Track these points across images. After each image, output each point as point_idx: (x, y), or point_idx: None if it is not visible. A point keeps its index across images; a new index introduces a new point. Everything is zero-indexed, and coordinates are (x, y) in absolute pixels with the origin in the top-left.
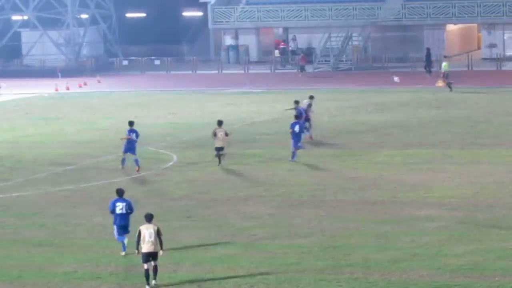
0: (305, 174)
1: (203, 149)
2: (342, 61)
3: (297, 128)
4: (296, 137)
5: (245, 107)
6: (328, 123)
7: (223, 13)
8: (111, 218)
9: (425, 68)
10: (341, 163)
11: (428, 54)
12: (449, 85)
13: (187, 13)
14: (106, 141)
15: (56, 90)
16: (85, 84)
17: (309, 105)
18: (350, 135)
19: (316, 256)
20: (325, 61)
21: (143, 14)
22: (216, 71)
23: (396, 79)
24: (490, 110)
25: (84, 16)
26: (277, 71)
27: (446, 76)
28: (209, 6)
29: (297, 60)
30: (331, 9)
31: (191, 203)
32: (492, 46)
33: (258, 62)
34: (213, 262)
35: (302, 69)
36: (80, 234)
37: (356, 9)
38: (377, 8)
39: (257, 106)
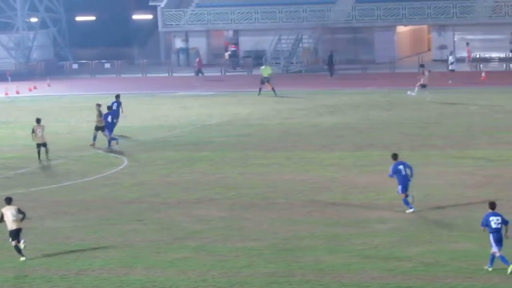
0: (256, 176)
1: (154, 152)
2: (293, 63)
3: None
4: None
5: (196, 110)
6: (279, 125)
7: (173, 16)
8: (61, 221)
9: (329, 71)
10: (292, 165)
11: (331, 57)
12: (273, 88)
13: (137, 16)
14: (57, 145)
15: (6, 94)
16: (35, 88)
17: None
18: (301, 137)
19: (267, 259)
20: (276, 63)
21: (93, 18)
22: (167, 74)
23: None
24: (441, 112)
25: (34, 19)
26: (227, 73)
27: (267, 80)
28: (159, 9)
29: (248, 63)
30: (281, 11)
31: (142, 206)
32: (442, 47)
33: (209, 65)
34: (164, 266)
35: (198, 72)
36: (30, 238)
37: (306, 11)
38: (328, 10)
39: (208, 109)
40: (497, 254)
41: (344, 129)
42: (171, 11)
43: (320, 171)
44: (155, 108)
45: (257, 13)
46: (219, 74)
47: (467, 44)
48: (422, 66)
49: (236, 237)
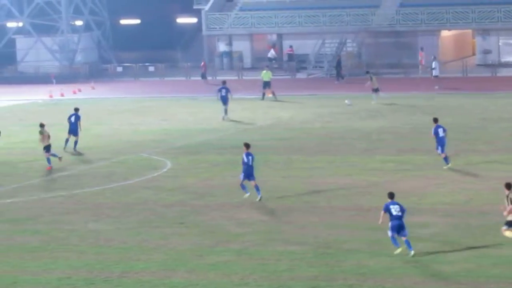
0: (299, 180)
1: (196, 155)
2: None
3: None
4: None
5: (239, 113)
6: (321, 129)
7: (217, 20)
8: (104, 223)
9: (336, 75)
10: (334, 169)
11: (339, 62)
12: (273, 93)
13: (181, 20)
14: (100, 147)
15: (51, 96)
16: (79, 90)
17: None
18: (343, 141)
19: (309, 262)
20: (319, 67)
21: (138, 21)
22: (210, 77)
23: (347, 101)
24: (485, 117)
25: (78, 22)
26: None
27: (268, 85)
28: (203, 13)
29: (291, 66)
30: (325, 15)
31: (185, 210)
32: (487, 52)
33: (252, 69)
34: (207, 269)
35: (203, 76)
36: (73, 240)
37: (350, 15)
38: (371, 14)
39: (251, 112)
40: (398, 237)
41: (386, 133)
42: (215, 14)
43: (362, 175)
44: (198, 111)
45: (301, 16)
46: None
47: None
48: (367, 72)
49: (278, 241)
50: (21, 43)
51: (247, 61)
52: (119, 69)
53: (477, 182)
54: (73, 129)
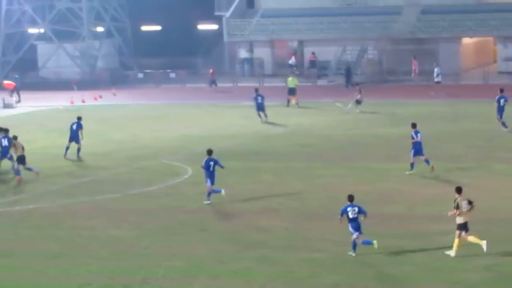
0: (320, 187)
1: None
2: (357, 74)
3: None
4: None
5: (260, 120)
6: (343, 136)
7: (238, 26)
8: (125, 230)
9: (346, 82)
10: (356, 176)
11: (348, 70)
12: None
13: (202, 26)
14: (121, 154)
15: (72, 102)
16: (100, 97)
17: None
18: (365, 148)
19: (330, 269)
20: (340, 74)
21: (159, 27)
22: (231, 84)
23: (339, 104)
24: (507, 124)
25: (99, 29)
26: None
27: (293, 92)
28: (224, 19)
29: (313, 73)
30: (346, 22)
31: (206, 216)
32: (508, 59)
33: (273, 75)
34: (228, 276)
35: (212, 83)
36: (94, 246)
37: (371, 22)
38: (393, 21)
39: (271, 118)
40: (359, 240)
41: (408, 140)
42: (236, 21)
43: (384, 182)
44: (218, 117)
45: (322, 23)
46: (283, 84)
47: None
48: (357, 84)
49: (299, 248)
50: (43, 49)
51: (268, 67)
52: (140, 75)
53: (499, 190)
54: (74, 137)
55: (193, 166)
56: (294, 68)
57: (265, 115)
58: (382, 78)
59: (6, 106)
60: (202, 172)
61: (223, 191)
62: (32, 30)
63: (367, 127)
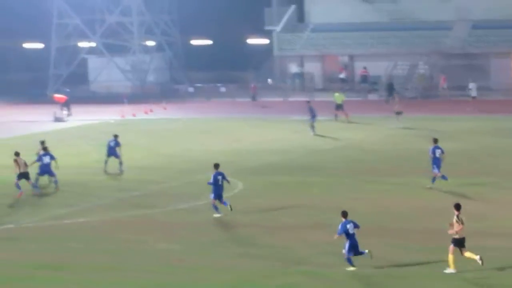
0: (370, 202)
1: (267, 176)
2: (408, 89)
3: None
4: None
5: (310, 134)
6: (393, 151)
7: (288, 41)
8: (174, 244)
9: (387, 97)
10: (406, 191)
11: (391, 85)
12: (346, 114)
13: (252, 41)
14: (171, 168)
15: (122, 116)
16: (151, 110)
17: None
18: (415, 163)
19: (381, 285)
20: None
21: (209, 42)
22: (281, 98)
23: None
24: None
25: (150, 43)
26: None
27: (340, 107)
28: (274, 34)
29: (363, 88)
30: (396, 37)
31: (254, 230)
32: None
33: (323, 90)
34: None
35: (253, 98)
36: (144, 260)
37: (422, 37)
38: (443, 36)
39: (321, 133)
40: (347, 256)
41: (459, 155)
42: (287, 35)
43: (434, 197)
44: (268, 132)
45: (373, 38)
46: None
47: None
48: (396, 93)
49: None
50: (93, 63)
51: (318, 82)
52: (191, 89)
53: None
54: (113, 153)
55: (243, 180)
56: (345, 83)
57: (314, 128)
58: (433, 93)
59: (57, 119)
60: (252, 186)
61: (228, 205)
62: (83, 44)
63: (417, 142)
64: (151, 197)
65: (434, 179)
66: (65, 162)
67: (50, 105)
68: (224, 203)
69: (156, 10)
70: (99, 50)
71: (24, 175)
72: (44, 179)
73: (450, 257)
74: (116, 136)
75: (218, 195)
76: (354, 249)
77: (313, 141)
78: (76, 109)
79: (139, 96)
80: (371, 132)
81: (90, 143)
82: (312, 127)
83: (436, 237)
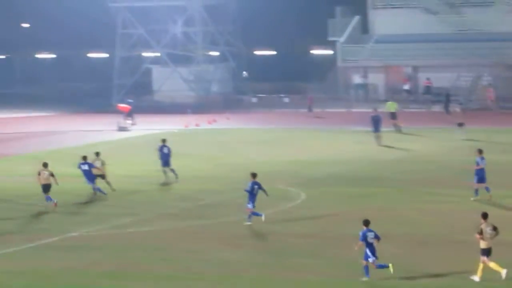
0: (432, 213)
1: (330, 187)
2: (472, 100)
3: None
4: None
5: (372, 146)
6: (455, 162)
7: (352, 52)
8: (237, 253)
9: (445, 109)
10: (468, 202)
11: (448, 96)
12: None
13: (315, 51)
14: (233, 177)
15: (186, 126)
16: (214, 120)
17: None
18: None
19: None
20: (454, 100)
21: (273, 52)
22: (345, 109)
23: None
24: None
25: (214, 53)
26: (405, 110)
27: (394, 116)
28: (338, 45)
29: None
30: (461, 48)
31: (317, 241)
32: None
33: (386, 101)
34: None
35: (309, 109)
36: (207, 270)
37: (486, 48)
38: (508, 48)
39: (385, 144)
40: (375, 264)
41: None
42: (350, 46)
43: (500, 209)
44: (331, 142)
45: (436, 49)
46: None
47: None
48: (460, 104)
49: (410, 274)
50: (157, 73)
51: (381, 93)
52: (254, 100)
53: None
54: (167, 161)
55: (306, 191)
56: (409, 94)
57: (379, 138)
58: (497, 104)
59: (121, 129)
60: (314, 196)
61: (263, 216)
62: (147, 54)
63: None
64: (214, 207)
65: (476, 192)
66: (128, 172)
67: (114, 115)
68: (259, 214)
69: (220, 20)
70: (163, 60)
71: (45, 188)
72: (89, 187)
73: (480, 265)
74: (164, 141)
75: (253, 204)
76: (367, 258)
77: (376, 152)
78: (139, 119)
79: (202, 106)
80: (433, 143)
81: (153, 152)
82: (377, 138)
83: (504, 248)
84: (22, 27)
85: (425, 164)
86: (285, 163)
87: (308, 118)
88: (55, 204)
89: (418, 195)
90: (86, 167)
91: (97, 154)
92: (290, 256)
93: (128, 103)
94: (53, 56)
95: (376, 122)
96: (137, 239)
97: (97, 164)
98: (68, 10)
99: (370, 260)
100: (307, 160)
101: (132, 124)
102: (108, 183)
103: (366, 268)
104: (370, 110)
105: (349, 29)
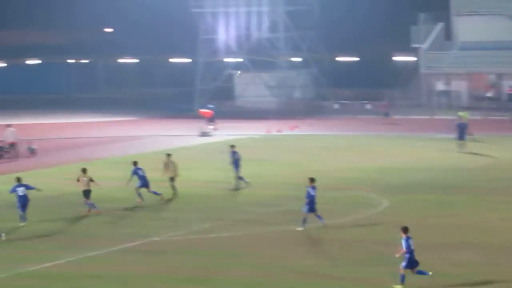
0: None
1: (412, 194)
2: None
3: None
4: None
5: (455, 153)
6: None
7: (435, 59)
8: (319, 260)
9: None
10: None
11: None
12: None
13: (398, 58)
14: (317, 184)
15: (268, 132)
16: (296, 126)
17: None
18: None
19: None
20: None
21: (355, 58)
22: (428, 117)
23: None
24: None
25: (296, 59)
26: (488, 117)
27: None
28: (421, 51)
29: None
30: None
31: (397, 249)
32: None
33: (469, 108)
34: None
35: (386, 115)
36: (289, 276)
37: None
38: None
39: (467, 152)
40: (416, 270)
41: None
42: (434, 53)
43: None
44: (414, 149)
45: None
46: (478, 117)
47: None
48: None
49: (494, 282)
50: (239, 78)
51: (464, 100)
52: (336, 106)
53: None
54: (238, 165)
55: (388, 197)
56: (492, 102)
57: (461, 145)
58: None
59: (203, 134)
60: (397, 203)
61: (323, 221)
62: (230, 59)
63: None
64: (294, 213)
65: None
66: (210, 177)
67: (196, 120)
68: (319, 217)
69: (303, 26)
70: (245, 66)
71: (85, 193)
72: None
73: None
74: (233, 146)
75: (311, 208)
76: (411, 264)
77: (458, 159)
78: (221, 124)
79: (284, 112)
80: None
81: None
82: (460, 145)
83: None
84: (105, 32)
85: (509, 172)
86: (366, 169)
87: (384, 125)
88: (95, 212)
89: (500, 203)
90: (141, 172)
91: (169, 155)
92: (373, 264)
93: (210, 109)
94: (136, 61)
95: (461, 130)
96: (218, 245)
97: (171, 166)
98: (150, 15)
99: (403, 265)
100: (388, 167)
101: (214, 130)
102: (173, 187)
103: (403, 275)
104: (453, 117)
105: (432, 36)
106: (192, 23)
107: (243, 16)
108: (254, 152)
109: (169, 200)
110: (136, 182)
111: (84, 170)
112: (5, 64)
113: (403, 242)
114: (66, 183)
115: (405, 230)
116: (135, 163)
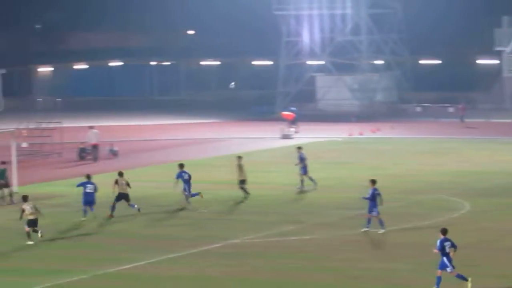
0: None
1: (495, 198)
2: None
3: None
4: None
5: None
6: None
7: None
8: (400, 263)
9: None
10: None
11: None
12: None
13: (481, 61)
14: (396, 187)
15: (350, 134)
16: (378, 129)
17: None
18: None
19: None
20: None
21: (438, 61)
22: (510, 120)
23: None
24: None
25: (378, 62)
26: None
27: None
28: (504, 55)
29: None
30: None
31: (477, 252)
32: None
33: None
34: None
35: (461, 118)
36: (368, 279)
37: None
38: None
39: None
40: (454, 273)
41: None
42: None
43: None
44: (496, 153)
45: None
46: None
47: None
48: None
49: None
50: (321, 81)
51: None
52: (418, 109)
53: None
54: (306, 169)
55: (470, 201)
56: None
57: None
58: None
59: (285, 136)
60: (478, 207)
61: (382, 229)
62: (312, 62)
63: None
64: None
65: None
66: (290, 180)
67: (278, 122)
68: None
69: (386, 29)
70: (327, 68)
71: (123, 196)
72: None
73: None
74: (300, 148)
75: (372, 210)
76: (442, 265)
77: None
78: (303, 127)
79: (366, 114)
80: None
81: (317, 160)
82: None
83: None
84: (188, 34)
85: None
86: (448, 173)
87: (460, 128)
88: (111, 216)
89: None
90: (186, 176)
91: (240, 158)
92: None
93: (291, 111)
94: (218, 63)
95: None
96: (297, 247)
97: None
98: (233, 17)
99: (448, 269)
100: (469, 170)
101: (296, 132)
102: (243, 188)
103: (439, 278)
104: None
105: None
106: (275, 25)
107: (326, 18)
108: (336, 155)
109: (240, 203)
110: (181, 185)
111: (120, 174)
112: (87, 66)
113: (438, 243)
114: (146, 185)
115: (444, 231)
116: (181, 166)
